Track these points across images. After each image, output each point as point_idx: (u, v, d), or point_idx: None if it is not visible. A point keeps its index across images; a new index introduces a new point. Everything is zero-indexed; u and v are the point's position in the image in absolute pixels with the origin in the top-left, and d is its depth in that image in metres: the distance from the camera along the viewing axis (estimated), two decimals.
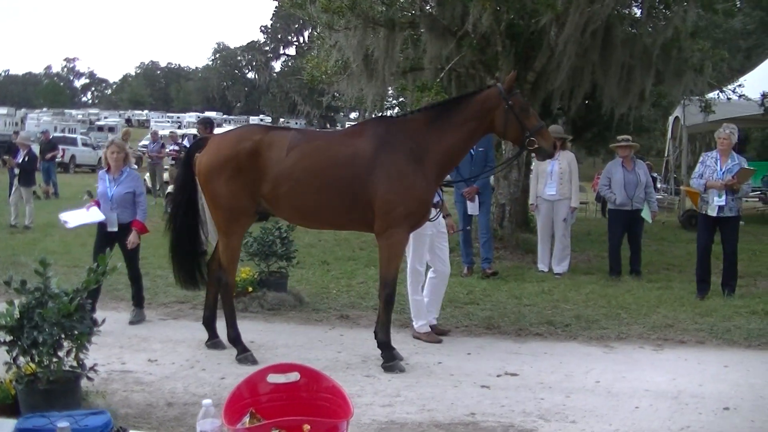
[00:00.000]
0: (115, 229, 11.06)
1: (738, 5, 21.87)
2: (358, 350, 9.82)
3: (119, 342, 9.95)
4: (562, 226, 15.56)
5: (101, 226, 11.13)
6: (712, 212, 12.95)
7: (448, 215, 11.01)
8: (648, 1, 17.69)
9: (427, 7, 17.87)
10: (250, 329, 10.39)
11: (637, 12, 19.05)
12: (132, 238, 11.07)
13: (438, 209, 10.24)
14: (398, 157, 9.11)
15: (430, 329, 10.62)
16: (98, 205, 11.15)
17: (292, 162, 9.12)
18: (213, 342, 9.93)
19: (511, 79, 9.53)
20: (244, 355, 9.34)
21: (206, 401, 3.85)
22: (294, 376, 4.29)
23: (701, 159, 13.68)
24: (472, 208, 14.60)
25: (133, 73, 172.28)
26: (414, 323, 10.66)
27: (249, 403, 4.07)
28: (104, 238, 11.03)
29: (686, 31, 17.87)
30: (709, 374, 9.13)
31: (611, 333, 10.89)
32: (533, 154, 10.27)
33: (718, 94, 20.99)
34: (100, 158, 52.51)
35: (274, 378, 4.25)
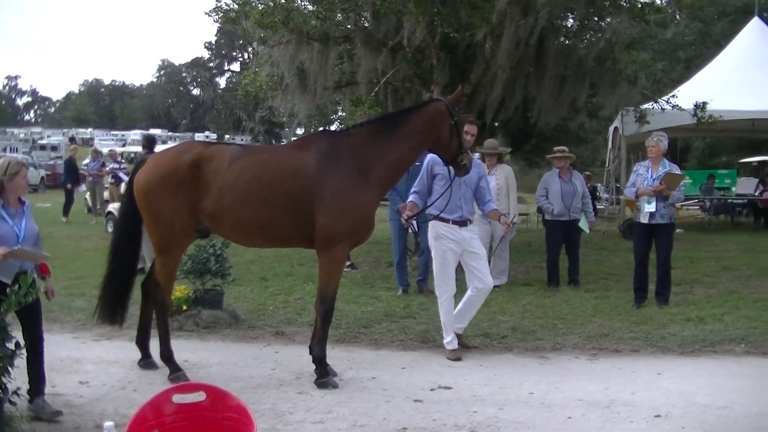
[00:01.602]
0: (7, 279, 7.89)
1: (678, 17, 22.10)
2: (292, 367, 9.73)
3: (50, 364, 9.69)
4: (500, 242, 15.34)
5: None
6: (644, 219, 13.06)
7: (502, 215, 11.14)
8: (581, 12, 17.80)
9: (362, 21, 17.88)
10: (184, 348, 10.30)
11: (572, 23, 19.20)
12: (51, 286, 8.50)
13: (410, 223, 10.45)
14: (341, 172, 9.05)
15: (457, 346, 10.58)
16: None
17: (234, 174, 9.02)
18: (146, 362, 9.78)
19: (458, 95, 9.67)
20: (176, 374, 9.18)
21: (107, 424, 3.79)
22: (199, 396, 4.23)
23: (634, 169, 13.88)
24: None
25: (77, 91, 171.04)
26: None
27: (153, 425, 4.01)
28: None
29: (621, 42, 18.03)
30: (642, 382, 9.18)
31: (547, 344, 10.91)
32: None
33: (653, 105, 21.19)
34: (42, 177, 51.92)
35: (179, 398, 4.19)
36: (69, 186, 30.30)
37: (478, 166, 10.82)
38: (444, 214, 10.48)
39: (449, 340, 10.51)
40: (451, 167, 9.82)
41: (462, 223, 10.47)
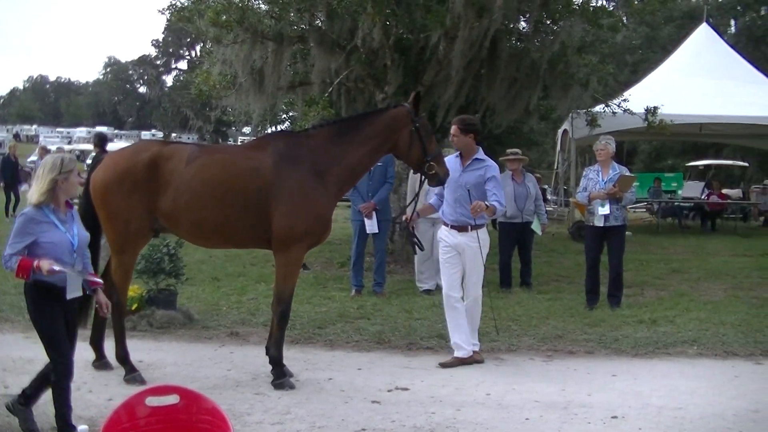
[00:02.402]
0: (78, 293, 7.21)
1: (624, 21, 22.33)
2: (248, 368, 9.69)
3: (2, 365, 9.65)
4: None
5: (49, 293, 6.97)
6: (599, 222, 13.15)
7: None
8: (535, 15, 17.90)
9: (317, 21, 17.82)
10: (138, 348, 10.18)
11: (524, 26, 19.30)
12: (104, 300, 7.52)
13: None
14: (299, 173, 9.05)
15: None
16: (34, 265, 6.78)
17: (191, 174, 8.99)
18: (101, 362, 9.66)
19: (418, 101, 9.53)
20: (132, 375, 9.13)
21: (82, 427, 3.75)
22: (173, 399, 4.20)
23: (584, 173, 13.97)
24: (371, 226, 14.35)
25: (21, 87, 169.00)
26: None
27: (127, 428, 3.98)
28: (60, 311, 7.05)
29: (573, 46, 18.15)
30: (597, 384, 9.27)
31: (502, 345, 10.97)
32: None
33: (604, 108, 21.36)
34: None
35: (152, 401, 4.15)
36: (2, 184, 29.79)
37: (484, 169, 10.35)
38: (443, 218, 10.49)
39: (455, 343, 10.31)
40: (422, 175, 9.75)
41: (460, 228, 10.26)
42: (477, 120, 10.66)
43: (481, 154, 10.49)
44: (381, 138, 9.41)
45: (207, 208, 8.97)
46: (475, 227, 10.27)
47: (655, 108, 20.45)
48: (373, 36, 15.91)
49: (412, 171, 10.86)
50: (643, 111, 20.59)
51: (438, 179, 9.64)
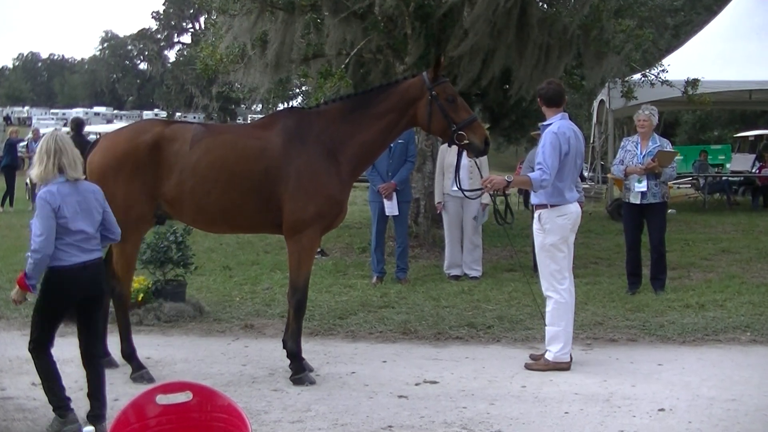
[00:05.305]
0: None
1: None
2: (264, 362, 9.73)
3: None
4: (471, 224, 15.09)
5: None
6: (635, 199, 13.12)
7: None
8: None
9: None
10: (146, 344, 10.22)
11: None
12: None
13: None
14: (308, 153, 9.05)
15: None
16: None
17: (196, 156, 9.00)
18: (104, 360, 9.69)
19: (437, 66, 9.34)
20: (139, 372, 9.16)
21: (87, 428, 3.76)
22: (185, 396, 4.20)
23: (622, 144, 13.91)
24: (390, 207, 14.39)
25: (11, 66, 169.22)
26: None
27: (136, 429, 3.98)
28: None
29: (609, 9, 17.98)
30: (641, 374, 9.26)
31: (537, 333, 10.85)
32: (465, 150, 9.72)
33: (642, 78, 21.16)
34: None
35: (163, 399, 4.15)
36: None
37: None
38: None
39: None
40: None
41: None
42: (544, 84, 10.13)
43: (551, 118, 9.86)
44: (396, 113, 9.33)
45: (213, 193, 8.98)
46: (538, 207, 9.69)
47: (695, 80, 20.17)
48: (391, 2, 15.83)
49: (447, 145, 10.66)
50: (683, 82, 20.33)
51: (474, 149, 9.30)
